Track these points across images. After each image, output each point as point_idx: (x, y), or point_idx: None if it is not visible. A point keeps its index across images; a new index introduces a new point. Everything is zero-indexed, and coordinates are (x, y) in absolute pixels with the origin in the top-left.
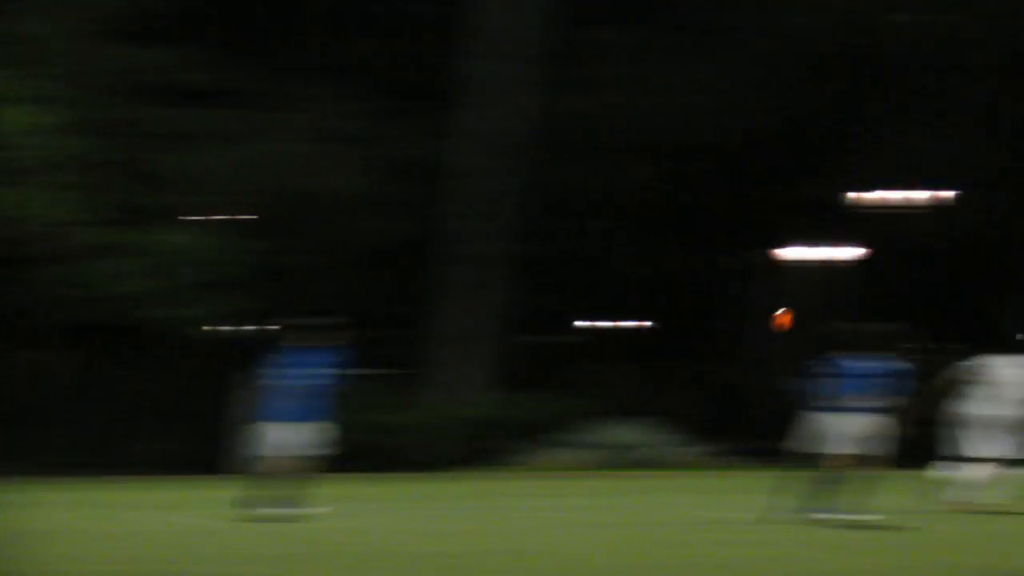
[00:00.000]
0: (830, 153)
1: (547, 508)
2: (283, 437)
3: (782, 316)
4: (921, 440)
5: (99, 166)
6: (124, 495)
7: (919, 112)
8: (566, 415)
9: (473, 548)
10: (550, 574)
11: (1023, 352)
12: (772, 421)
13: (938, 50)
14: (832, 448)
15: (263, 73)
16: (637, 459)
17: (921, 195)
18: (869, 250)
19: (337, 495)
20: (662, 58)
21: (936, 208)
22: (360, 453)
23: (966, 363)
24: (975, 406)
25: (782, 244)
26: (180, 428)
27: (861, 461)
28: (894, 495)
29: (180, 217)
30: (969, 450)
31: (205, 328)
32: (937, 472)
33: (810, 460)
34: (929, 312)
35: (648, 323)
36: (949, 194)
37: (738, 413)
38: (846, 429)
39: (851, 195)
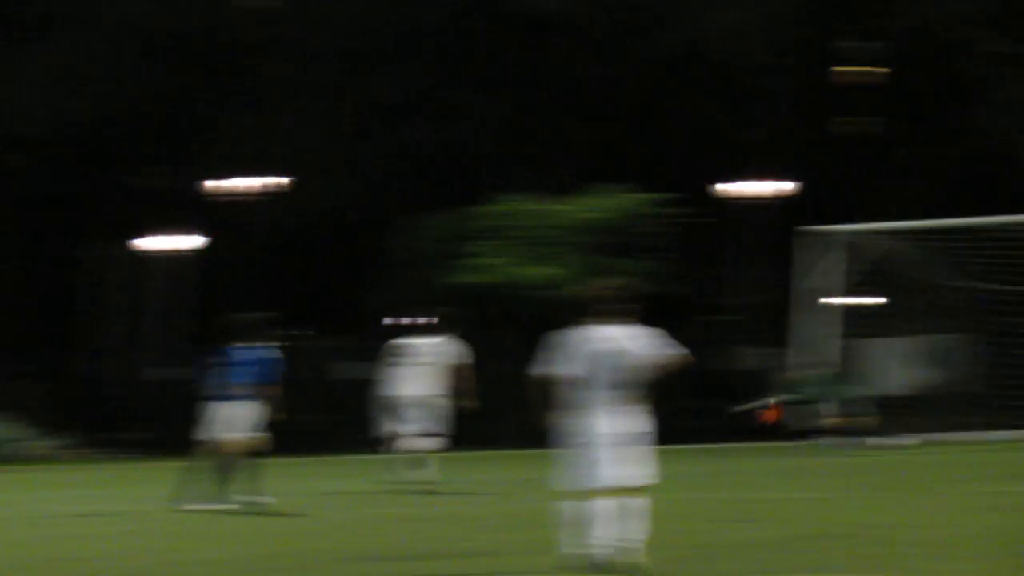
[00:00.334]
0: (178, 141)
1: None
2: None
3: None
4: (293, 425)
5: None
6: None
7: (263, 98)
8: None
9: None
10: None
11: (440, 333)
12: (136, 412)
13: (285, 35)
14: (219, 435)
15: None
16: None
17: (267, 181)
18: (217, 238)
19: None
20: None
21: (282, 194)
22: None
23: (390, 345)
24: (399, 387)
25: (136, 235)
26: None
27: (246, 447)
28: (284, 480)
29: None
30: (397, 429)
31: None
32: (384, 454)
33: (200, 449)
34: (285, 298)
35: None
36: (292, 179)
37: (96, 405)
38: (232, 416)
39: (200, 183)
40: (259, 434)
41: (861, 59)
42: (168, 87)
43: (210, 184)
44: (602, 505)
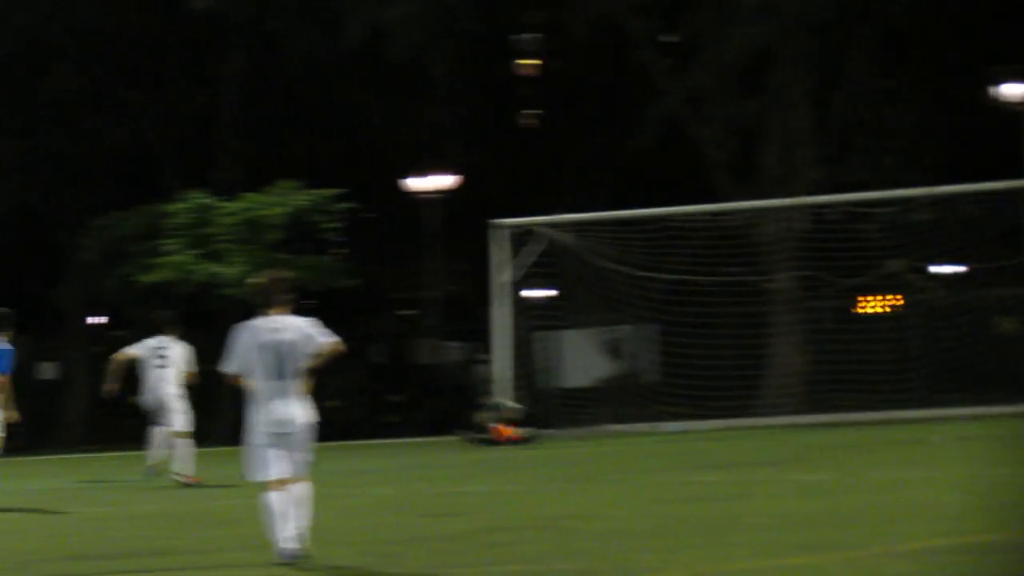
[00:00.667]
0: None
1: None
2: None
3: None
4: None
5: None
6: None
7: None
8: None
9: None
10: None
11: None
12: None
13: None
14: None
15: None
16: None
17: None
18: None
19: None
20: None
21: None
22: None
23: (146, 344)
24: (156, 386)
25: None
26: None
27: None
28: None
29: None
30: (164, 426)
31: None
32: (152, 451)
33: None
34: None
35: None
36: None
37: None
38: None
39: None
40: None
41: (540, 52)
42: None
43: None
44: (277, 496)
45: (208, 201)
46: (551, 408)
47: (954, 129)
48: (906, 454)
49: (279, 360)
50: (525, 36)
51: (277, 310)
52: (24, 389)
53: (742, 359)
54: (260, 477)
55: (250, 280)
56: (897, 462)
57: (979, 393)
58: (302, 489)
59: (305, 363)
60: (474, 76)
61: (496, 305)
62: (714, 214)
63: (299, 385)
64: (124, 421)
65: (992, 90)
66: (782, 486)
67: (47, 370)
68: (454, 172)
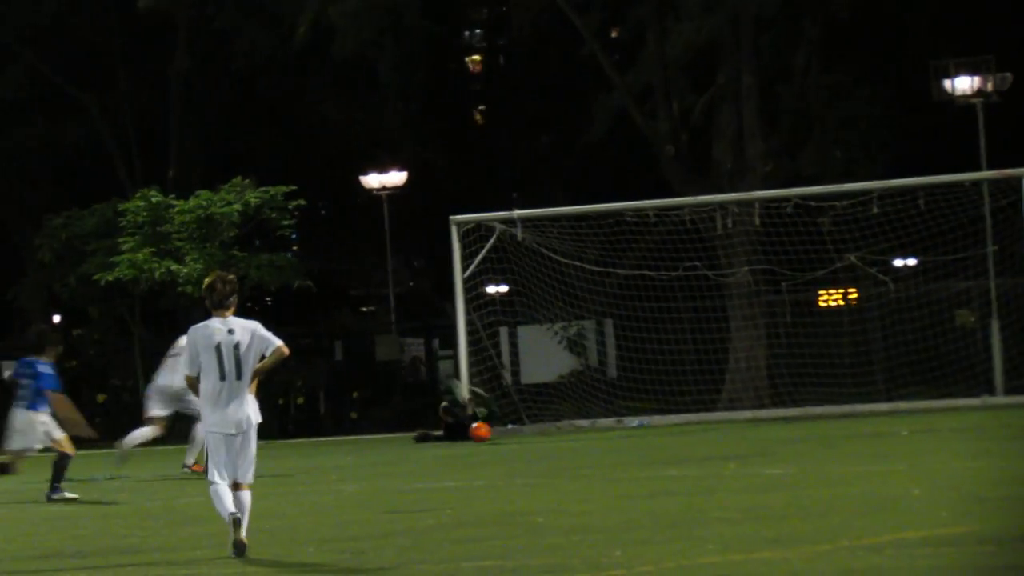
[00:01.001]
0: None
1: None
2: None
3: None
4: None
5: None
6: None
7: None
8: None
9: None
10: None
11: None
12: None
13: None
14: None
15: None
16: None
17: None
18: None
19: None
20: None
21: None
22: None
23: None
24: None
25: None
26: None
27: None
28: None
29: None
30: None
31: None
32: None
33: None
34: None
35: None
36: None
37: None
38: None
39: None
40: None
41: (488, 48)
42: None
43: None
44: (225, 492)
45: (162, 199)
46: (517, 403)
47: (906, 122)
48: (870, 447)
49: (231, 361)
50: (473, 32)
51: (225, 311)
52: None
53: (703, 354)
54: (208, 477)
55: (206, 281)
56: (861, 456)
57: (940, 387)
58: (245, 496)
59: (255, 364)
60: (423, 72)
61: (457, 301)
62: (666, 209)
63: (247, 386)
64: (90, 420)
65: (944, 83)
66: (748, 480)
67: (7, 368)
68: (408, 168)
